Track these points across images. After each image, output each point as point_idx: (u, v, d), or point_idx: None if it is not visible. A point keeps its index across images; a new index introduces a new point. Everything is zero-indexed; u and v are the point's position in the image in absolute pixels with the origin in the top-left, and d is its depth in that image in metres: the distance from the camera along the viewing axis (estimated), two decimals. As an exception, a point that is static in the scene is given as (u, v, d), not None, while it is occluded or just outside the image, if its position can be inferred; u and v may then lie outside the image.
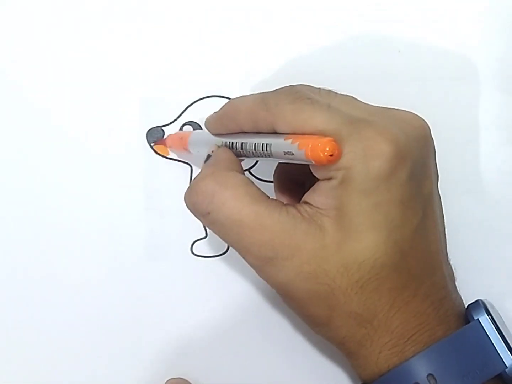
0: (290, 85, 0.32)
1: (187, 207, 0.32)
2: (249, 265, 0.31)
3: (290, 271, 0.30)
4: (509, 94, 0.38)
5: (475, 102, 0.38)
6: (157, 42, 0.38)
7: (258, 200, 0.30)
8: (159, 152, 0.39)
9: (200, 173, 0.32)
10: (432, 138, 0.31)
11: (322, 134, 0.28)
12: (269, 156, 0.30)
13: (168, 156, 0.39)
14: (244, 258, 0.31)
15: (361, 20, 0.38)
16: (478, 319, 0.30)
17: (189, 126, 0.39)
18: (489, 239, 0.38)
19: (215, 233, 0.32)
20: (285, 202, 0.31)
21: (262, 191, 0.31)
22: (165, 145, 0.39)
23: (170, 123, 0.39)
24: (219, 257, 0.39)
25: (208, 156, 0.33)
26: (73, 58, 0.38)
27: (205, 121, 0.35)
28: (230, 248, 0.39)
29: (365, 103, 0.31)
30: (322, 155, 0.27)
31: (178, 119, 0.39)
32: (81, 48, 0.38)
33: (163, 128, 0.39)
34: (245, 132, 0.32)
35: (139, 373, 0.38)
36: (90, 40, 0.38)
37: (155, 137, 0.39)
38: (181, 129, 0.39)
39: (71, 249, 0.38)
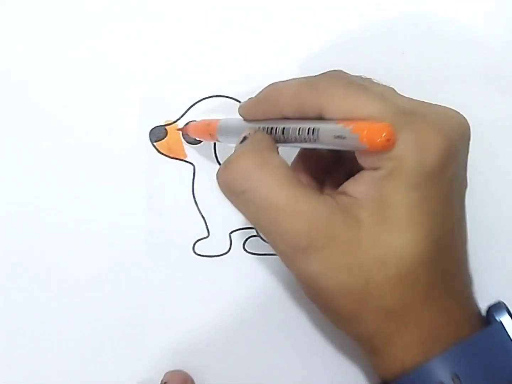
0: (334, 70, 0.31)
1: (219, 184, 0.30)
2: (278, 254, 0.30)
3: (323, 262, 0.28)
4: (510, 95, 0.38)
5: (478, 103, 0.38)
6: (159, 42, 0.38)
7: (297, 185, 0.29)
8: (162, 151, 0.39)
9: (236, 151, 0.31)
10: (470, 137, 0.31)
11: (376, 120, 0.27)
12: (314, 141, 0.28)
13: (171, 156, 0.39)
14: (274, 245, 0.30)
15: (364, 21, 0.38)
16: (501, 320, 0.30)
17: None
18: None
19: (246, 215, 0.30)
20: None
21: (298, 177, 0.30)
22: (186, 131, 0.38)
23: (173, 122, 0.39)
24: (221, 256, 0.39)
25: (244, 138, 0.31)
26: (74, 58, 0.38)
27: (239, 107, 0.34)
28: (232, 247, 0.39)
29: (407, 97, 0.30)
30: (378, 139, 0.26)
31: (181, 119, 0.39)
32: (82, 48, 0.38)
33: (166, 127, 0.39)
34: (285, 119, 0.31)
35: (140, 372, 0.38)
36: (92, 40, 0.38)
37: (158, 136, 0.39)
38: (183, 128, 0.39)
39: (73, 248, 0.38)
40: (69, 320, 0.38)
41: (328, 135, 0.28)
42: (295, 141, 0.30)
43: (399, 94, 0.30)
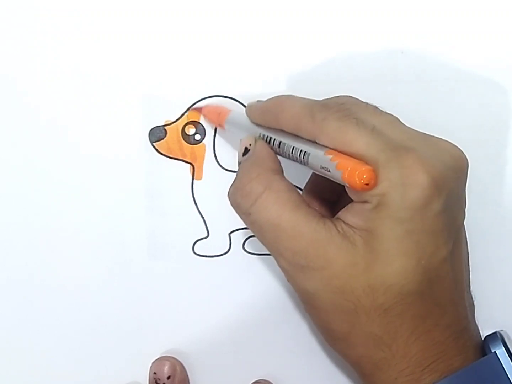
0: (339, 97, 0.32)
1: (231, 204, 0.33)
2: (279, 267, 0.32)
3: (318, 282, 0.30)
4: (510, 95, 0.38)
5: (478, 102, 0.38)
6: (159, 42, 0.38)
7: (299, 207, 0.31)
8: (161, 151, 0.39)
9: (243, 170, 0.33)
10: (468, 169, 0.31)
11: (362, 157, 0.28)
12: (304, 164, 0.31)
13: (171, 156, 0.39)
14: (276, 261, 0.32)
15: (363, 21, 0.38)
16: (495, 351, 0.30)
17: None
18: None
19: (253, 232, 0.32)
20: None
21: (303, 198, 0.31)
22: (200, 112, 0.38)
23: (173, 122, 0.39)
24: (221, 256, 0.39)
25: (246, 150, 0.34)
26: (74, 58, 0.38)
27: (248, 107, 0.35)
28: (232, 247, 0.39)
29: (407, 126, 0.31)
30: (358, 182, 0.28)
31: (181, 119, 0.39)
32: (82, 48, 0.38)
33: (165, 127, 0.39)
34: (284, 132, 0.33)
35: (140, 372, 0.38)
36: (91, 39, 0.38)
37: (158, 136, 0.39)
38: (183, 128, 0.38)
39: (73, 248, 0.38)
40: (69, 320, 0.39)
41: (316, 163, 0.30)
42: (289, 157, 0.32)
43: (398, 124, 0.31)
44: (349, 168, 0.28)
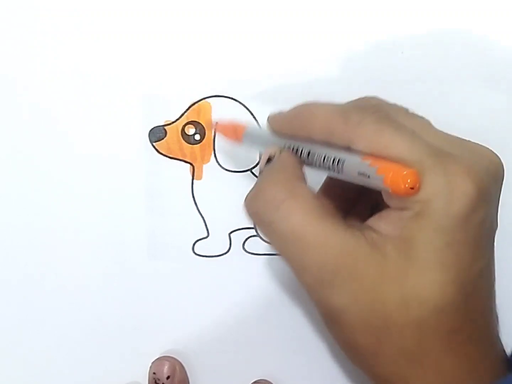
0: (369, 98, 0.31)
1: (247, 212, 0.30)
2: (302, 284, 0.30)
3: (346, 296, 0.28)
4: (510, 95, 0.38)
5: (478, 103, 0.38)
6: (159, 42, 0.38)
7: (325, 217, 0.28)
8: (161, 151, 0.39)
9: (265, 176, 0.30)
10: (504, 176, 0.30)
11: (404, 162, 0.27)
12: (338, 172, 0.29)
13: (171, 156, 0.39)
14: (299, 275, 0.30)
15: (363, 21, 0.38)
16: None
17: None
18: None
19: (273, 244, 0.30)
20: None
21: (328, 207, 0.30)
22: (215, 130, 0.37)
23: (173, 122, 0.39)
24: (221, 256, 0.39)
25: (269, 159, 0.31)
26: (73, 58, 0.38)
27: (269, 117, 0.33)
28: (232, 247, 0.39)
29: (440, 131, 0.30)
30: (402, 186, 0.26)
31: (181, 119, 0.39)
32: (82, 48, 0.38)
33: (165, 127, 0.39)
34: (314, 141, 0.30)
35: (140, 372, 0.38)
36: (91, 39, 0.38)
37: (157, 136, 0.39)
38: (183, 128, 0.38)
39: (73, 248, 0.38)
40: (69, 320, 0.38)
41: (353, 170, 0.28)
42: (319, 167, 0.30)
43: (433, 128, 0.30)
44: (392, 172, 0.26)
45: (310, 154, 0.30)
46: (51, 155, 0.38)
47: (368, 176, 0.27)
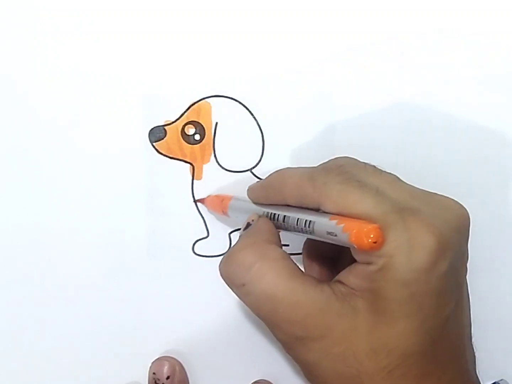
0: (337, 159, 0.32)
1: (221, 276, 0.32)
2: (277, 339, 0.31)
3: (319, 352, 0.29)
4: (510, 95, 0.38)
5: (478, 103, 0.38)
6: (159, 42, 0.38)
7: (295, 276, 0.30)
8: (161, 151, 0.39)
9: (238, 242, 0.32)
10: (469, 226, 0.31)
11: (368, 219, 0.28)
12: (310, 233, 0.30)
13: (170, 156, 0.39)
14: (273, 333, 0.31)
15: (363, 21, 0.38)
16: None
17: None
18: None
19: (247, 305, 0.31)
20: (313, 275, 0.32)
21: (298, 266, 0.31)
22: (203, 203, 0.39)
23: (172, 122, 0.39)
24: (221, 256, 0.39)
25: (248, 225, 0.33)
26: (74, 57, 0.38)
27: (248, 189, 0.35)
28: (227, 251, 0.39)
29: (408, 185, 0.31)
30: (365, 241, 0.27)
31: (180, 118, 0.39)
32: (82, 48, 0.38)
33: (165, 127, 0.39)
34: (288, 205, 0.32)
35: (140, 372, 0.38)
36: (91, 40, 0.38)
37: (157, 136, 0.39)
38: (183, 128, 0.39)
39: (73, 248, 0.38)
40: (69, 320, 0.38)
41: (322, 230, 0.29)
42: (294, 230, 0.31)
43: (398, 184, 0.31)
44: (355, 229, 0.27)
45: (285, 219, 0.32)
46: (51, 155, 0.38)
47: (335, 235, 0.28)
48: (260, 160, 0.39)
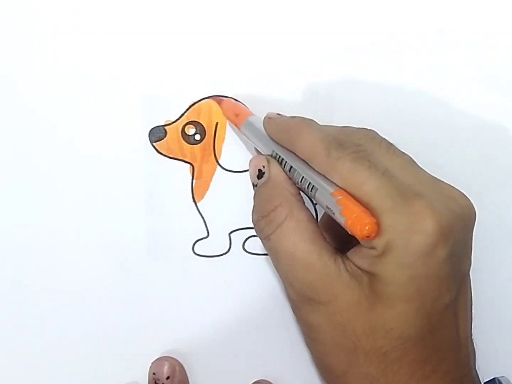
0: (358, 132, 0.32)
1: (254, 227, 0.33)
2: (287, 297, 0.33)
3: (322, 316, 0.31)
4: (510, 95, 0.38)
5: (478, 103, 0.38)
6: (159, 42, 0.38)
7: (315, 240, 0.31)
8: (161, 151, 0.39)
9: (263, 195, 0.33)
10: (475, 218, 0.31)
11: (370, 202, 0.29)
12: (311, 197, 0.31)
13: (171, 156, 0.39)
14: (286, 289, 0.33)
15: (363, 21, 0.38)
16: None
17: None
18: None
19: (270, 256, 0.33)
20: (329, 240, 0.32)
21: (320, 231, 0.32)
22: (219, 103, 0.38)
23: (173, 122, 0.39)
24: (221, 256, 0.39)
25: (260, 172, 0.34)
26: (74, 57, 0.38)
27: (265, 118, 0.35)
28: (232, 247, 0.39)
29: (419, 169, 0.31)
30: (359, 232, 0.28)
31: (181, 119, 0.39)
32: (83, 47, 0.38)
33: (165, 127, 0.39)
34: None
35: (140, 372, 0.38)
36: (91, 40, 0.38)
37: (157, 136, 0.39)
38: (183, 128, 0.38)
39: (72, 248, 0.38)
40: (69, 320, 0.38)
41: (322, 201, 0.30)
42: (298, 185, 0.32)
43: (410, 167, 0.31)
44: (353, 216, 0.28)
45: (291, 170, 0.33)
46: (51, 155, 0.38)
47: (333, 213, 0.29)
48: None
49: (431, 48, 0.38)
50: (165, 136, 0.39)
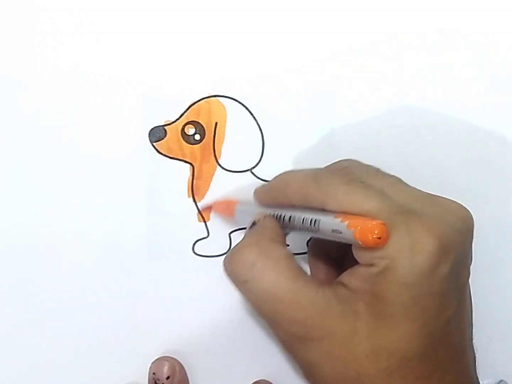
0: (340, 162, 0.32)
1: (225, 272, 0.32)
2: (278, 339, 0.32)
3: (319, 353, 0.30)
4: (510, 95, 0.39)
5: (478, 103, 0.38)
6: (159, 42, 0.38)
7: (297, 277, 0.30)
8: (161, 151, 0.39)
9: (243, 239, 0.32)
10: (473, 228, 0.31)
11: (372, 217, 0.28)
12: (316, 232, 0.31)
13: (170, 156, 0.39)
14: (274, 332, 0.31)
15: (363, 21, 0.38)
16: None
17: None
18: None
19: (249, 302, 0.32)
20: (318, 275, 0.33)
21: (301, 267, 0.31)
22: (210, 209, 0.39)
23: (172, 122, 0.39)
24: (221, 256, 0.39)
25: (253, 223, 0.33)
26: (74, 57, 0.38)
27: (254, 192, 0.36)
28: (232, 247, 0.39)
29: (411, 187, 0.31)
30: (370, 237, 0.27)
31: (180, 119, 0.39)
32: (83, 47, 0.38)
33: (165, 127, 0.39)
34: (294, 206, 0.32)
35: (139, 372, 0.38)
36: (91, 40, 0.38)
37: (157, 136, 0.39)
38: (183, 128, 0.39)
39: (72, 248, 0.38)
40: (69, 320, 0.38)
41: (327, 228, 0.30)
42: (300, 229, 0.32)
43: (402, 186, 0.31)
44: (359, 225, 0.28)
45: (291, 219, 0.32)
46: (51, 155, 0.38)
47: (340, 232, 0.29)
48: (260, 160, 0.39)
49: (431, 48, 0.38)
50: (165, 136, 0.39)
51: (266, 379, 0.38)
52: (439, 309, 0.29)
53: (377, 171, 0.32)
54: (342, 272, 0.31)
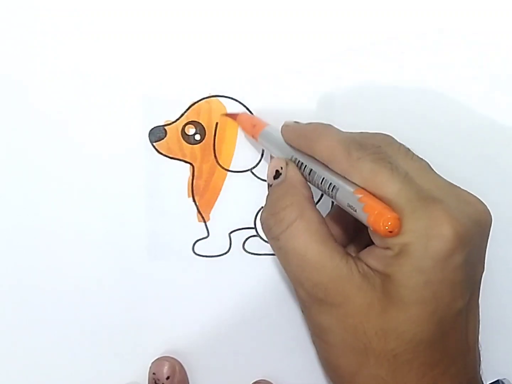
0: (375, 136, 0.32)
1: (262, 227, 0.33)
2: (297, 297, 0.32)
3: (333, 318, 0.30)
4: (510, 95, 0.39)
5: (478, 103, 0.38)
6: (159, 42, 0.38)
7: (326, 241, 0.31)
8: (161, 151, 0.39)
9: (275, 195, 0.33)
10: (491, 224, 0.31)
11: (390, 202, 0.29)
12: (331, 197, 0.31)
13: (171, 156, 0.39)
14: (296, 289, 0.32)
15: (363, 21, 0.38)
16: None
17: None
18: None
19: (278, 257, 0.33)
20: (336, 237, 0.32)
21: (331, 233, 0.32)
22: (234, 119, 0.38)
23: (173, 122, 0.39)
24: (221, 256, 0.39)
25: (277, 173, 0.34)
26: (74, 57, 0.38)
27: (283, 126, 0.35)
28: (232, 247, 0.39)
29: (436, 174, 0.31)
30: (382, 228, 0.28)
31: (181, 119, 0.39)
32: (83, 47, 0.38)
33: (165, 127, 0.39)
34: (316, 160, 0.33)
35: (139, 372, 0.38)
36: (91, 40, 0.38)
37: (157, 136, 0.39)
38: (183, 128, 0.39)
39: (72, 248, 0.38)
40: (69, 320, 0.38)
41: (343, 200, 0.30)
42: (317, 187, 0.32)
43: (428, 172, 0.31)
44: (376, 212, 0.28)
45: (311, 173, 0.32)
46: (51, 155, 0.38)
47: (355, 210, 0.29)
48: (260, 160, 0.39)
49: (431, 48, 0.38)
50: (165, 136, 0.39)
51: (266, 379, 0.38)
52: (451, 297, 0.29)
53: (407, 151, 0.32)
54: (358, 240, 0.32)
